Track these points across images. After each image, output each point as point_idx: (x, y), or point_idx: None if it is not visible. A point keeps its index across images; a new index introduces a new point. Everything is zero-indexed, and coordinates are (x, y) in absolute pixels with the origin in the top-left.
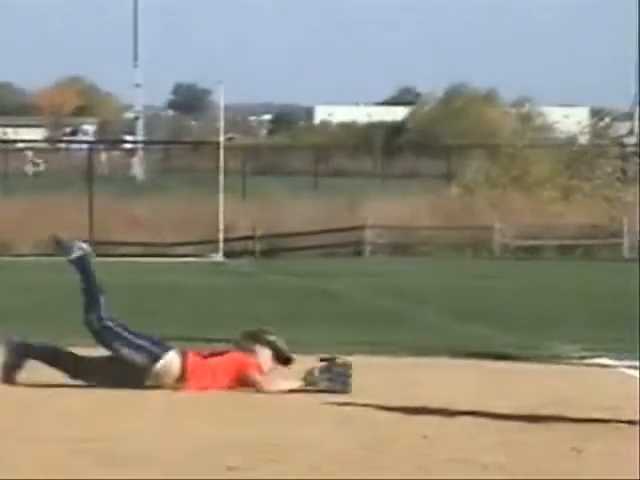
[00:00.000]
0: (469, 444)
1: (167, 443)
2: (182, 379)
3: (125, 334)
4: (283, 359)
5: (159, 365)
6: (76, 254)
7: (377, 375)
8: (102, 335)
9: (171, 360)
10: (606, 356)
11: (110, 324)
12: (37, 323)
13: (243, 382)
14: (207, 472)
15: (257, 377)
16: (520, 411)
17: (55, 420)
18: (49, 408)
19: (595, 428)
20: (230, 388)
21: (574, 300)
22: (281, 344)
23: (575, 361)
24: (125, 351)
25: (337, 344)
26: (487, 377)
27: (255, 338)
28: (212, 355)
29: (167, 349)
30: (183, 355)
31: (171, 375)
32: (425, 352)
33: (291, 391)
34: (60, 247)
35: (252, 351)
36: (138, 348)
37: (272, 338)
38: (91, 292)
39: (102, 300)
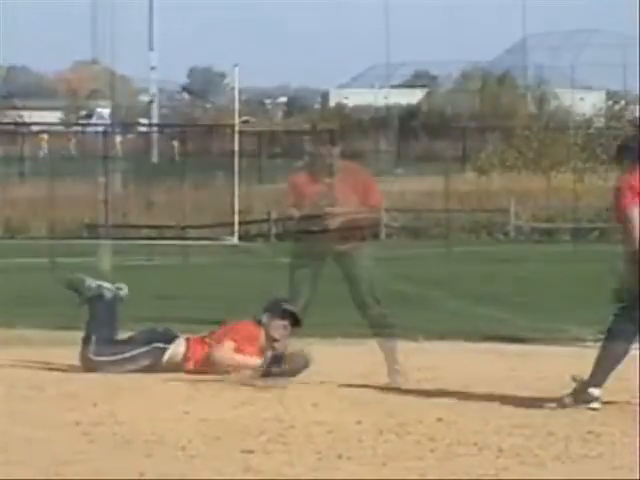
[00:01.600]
0: (485, 427)
1: (181, 426)
2: (184, 364)
3: (120, 356)
4: (293, 322)
5: (166, 358)
6: (93, 292)
7: None
8: (103, 366)
9: (175, 350)
10: None
11: (104, 358)
12: (52, 306)
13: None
14: (222, 456)
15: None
16: (536, 394)
17: (67, 404)
18: (60, 391)
19: (611, 411)
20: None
21: (590, 283)
22: (288, 307)
23: (591, 344)
24: (130, 367)
25: (352, 327)
26: (503, 360)
27: (267, 309)
28: (212, 334)
29: (171, 340)
30: (187, 342)
31: (176, 362)
32: (441, 335)
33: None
34: (76, 290)
35: (260, 323)
36: (138, 357)
37: (286, 306)
38: (90, 326)
39: (94, 339)
